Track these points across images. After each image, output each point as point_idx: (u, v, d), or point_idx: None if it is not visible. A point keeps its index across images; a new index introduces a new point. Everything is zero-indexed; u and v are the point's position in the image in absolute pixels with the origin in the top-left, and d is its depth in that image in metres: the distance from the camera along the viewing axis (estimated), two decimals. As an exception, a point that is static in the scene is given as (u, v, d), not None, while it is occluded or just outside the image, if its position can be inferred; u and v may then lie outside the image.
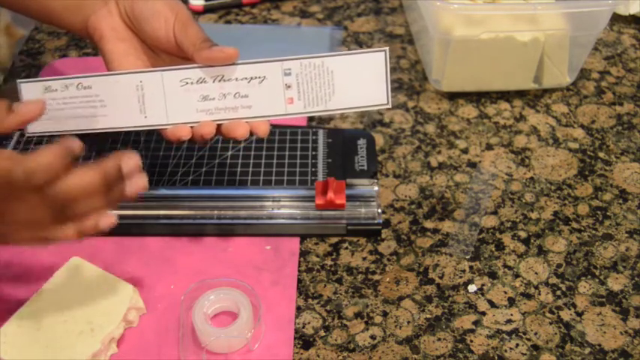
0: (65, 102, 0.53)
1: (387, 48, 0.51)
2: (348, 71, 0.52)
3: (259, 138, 0.53)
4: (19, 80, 0.54)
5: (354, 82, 0.52)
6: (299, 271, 0.58)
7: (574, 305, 0.56)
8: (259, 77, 0.52)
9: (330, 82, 0.52)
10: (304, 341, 0.54)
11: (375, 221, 0.61)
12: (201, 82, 0.52)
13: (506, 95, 0.76)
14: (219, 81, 0.52)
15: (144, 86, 0.52)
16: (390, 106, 0.53)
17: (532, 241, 0.61)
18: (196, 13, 0.87)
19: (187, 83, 0.52)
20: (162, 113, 0.53)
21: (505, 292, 0.57)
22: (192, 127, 0.53)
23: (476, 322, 0.55)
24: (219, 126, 0.53)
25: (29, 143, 0.67)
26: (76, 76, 0.53)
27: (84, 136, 0.55)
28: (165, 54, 0.56)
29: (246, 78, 0.52)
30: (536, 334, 0.54)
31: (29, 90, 0.53)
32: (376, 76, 0.52)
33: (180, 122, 0.53)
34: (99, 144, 0.67)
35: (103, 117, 0.53)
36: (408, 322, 0.55)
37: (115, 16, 0.55)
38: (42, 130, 0.54)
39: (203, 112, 0.53)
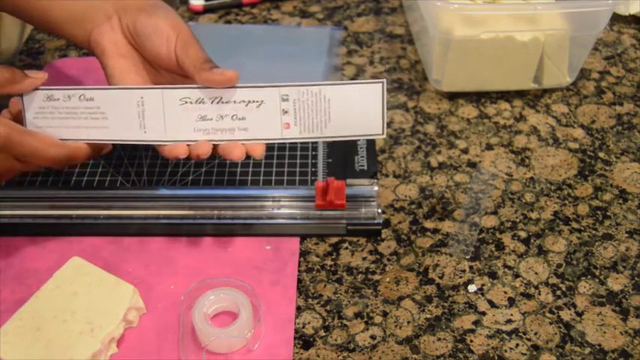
0: (67, 111, 0.54)
1: (385, 80, 0.52)
2: (345, 100, 0.52)
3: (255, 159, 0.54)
4: None
5: (351, 111, 0.52)
6: (299, 271, 0.58)
7: (574, 305, 0.56)
8: (257, 101, 0.52)
9: (326, 110, 0.52)
10: (304, 341, 0.54)
11: (375, 221, 0.61)
12: (199, 103, 0.53)
13: (506, 95, 0.76)
14: (218, 102, 0.53)
15: (144, 102, 0.53)
16: (384, 136, 0.53)
17: (532, 241, 0.61)
18: (196, 13, 0.87)
19: (186, 102, 0.53)
20: (160, 130, 0.53)
21: (505, 292, 0.57)
22: (189, 145, 0.53)
23: (476, 322, 0.55)
24: (216, 146, 0.54)
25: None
26: (79, 87, 0.54)
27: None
28: (165, 71, 0.56)
29: (244, 101, 0.52)
30: (536, 334, 0.54)
31: (31, 98, 0.54)
32: (373, 107, 0.52)
33: (177, 140, 0.54)
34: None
35: (104, 129, 0.54)
36: (408, 322, 0.55)
37: (117, 31, 0.55)
38: None
39: (200, 131, 0.53)
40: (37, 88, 0.54)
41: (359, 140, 0.68)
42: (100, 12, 0.56)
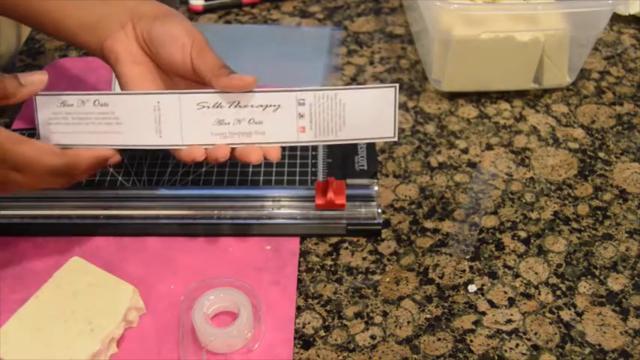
0: (81, 117, 0.54)
1: (397, 85, 0.53)
2: (359, 104, 0.53)
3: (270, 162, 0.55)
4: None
5: (364, 115, 0.53)
6: (299, 271, 0.58)
7: (574, 305, 0.56)
8: (274, 105, 0.53)
9: (341, 114, 0.53)
10: (304, 341, 0.54)
11: (375, 221, 0.61)
12: (217, 107, 0.53)
13: (506, 95, 0.76)
14: (235, 107, 0.53)
15: (161, 107, 0.53)
16: (396, 139, 0.54)
17: (532, 241, 0.61)
18: (196, 13, 0.87)
19: (204, 107, 0.53)
20: (177, 134, 0.54)
21: (505, 292, 0.57)
22: (206, 148, 0.54)
23: (476, 322, 0.55)
24: (233, 149, 0.54)
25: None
26: (93, 92, 0.54)
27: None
28: (179, 78, 0.56)
29: (261, 105, 0.53)
30: (536, 334, 0.54)
31: (44, 103, 0.54)
32: (385, 111, 0.53)
33: (194, 144, 0.54)
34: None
35: (118, 134, 0.54)
36: (408, 322, 0.55)
37: (131, 39, 0.55)
38: (56, 142, 0.54)
39: (217, 135, 0.53)
40: (49, 94, 0.53)
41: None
42: (114, 20, 0.55)
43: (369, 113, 0.53)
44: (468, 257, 0.60)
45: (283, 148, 0.67)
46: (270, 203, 0.62)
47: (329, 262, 0.59)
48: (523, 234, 0.61)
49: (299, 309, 0.56)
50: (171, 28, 0.54)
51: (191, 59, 0.53)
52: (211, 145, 0.54)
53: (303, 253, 0.60)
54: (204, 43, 0.54)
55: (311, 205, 0.61)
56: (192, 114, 0.53)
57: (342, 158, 0.66)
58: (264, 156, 0.54)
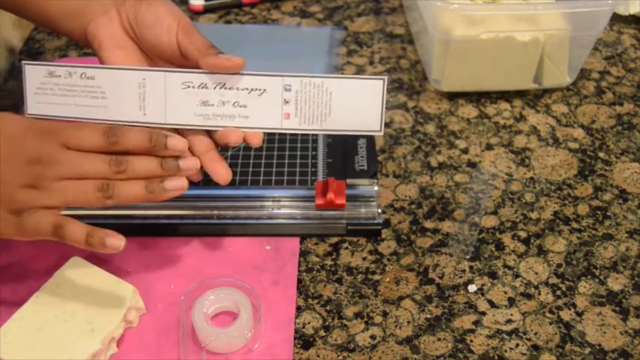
0: (67, 89, 0.54)
1: (386, 77, 0.52)
2: (346, 95, 0.53)
3: (251, 147, 0.54)
4: (23, 62, 0.55)
5: (351, 105, 0.53)
6: (299, 271, 0.58)
7: (574, 305, 0.56)
8: (260, 89, 0.53)
9: (327, 103, 0.53)
10: (304, 341, 0.54)
11: (375, 221, 0.61)
12: (202, 87, 0.53)
13: (506, 95, 0.76)
14: (221, 88, 0.53)
15: (146, 84, 0.53)
16: (382, 133, 0.54)
17: (532, 241, 0.61)
18: (196, 13, 0.87)
19: (189, 87, 0.53)
20: (160, 112, 0.53)
21: (505, 292, 0.57)
22: (215, 132, 0.53)
23: (476, 322, 0.55)
24: (213, 132, 0.54)
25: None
26: (81, 65, 0.54)
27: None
28: (162, 62, 0.56)
29: (247, 88, 0.53)
30: (536, 334, 0.54)
31: (33, 72, 0.54)
32: (372, 103, 0.53)
33: (177, 123, 0.54)
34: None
35: (103, 108, 0.54)
36: (408, 322, 0.55)
37: (115, 24, 0.55)
38: (42, 112, 0.55)
39: (201, 116, 0.53)
40: (38, 63, 0.54)
41: (359, 140, 0.68)
42: (98, 6, 0.56)
43: (356, 104, 0.53)
44: (468, 257, 0.60)
45: (284, 148, 0.67)
46: (270, 203, 0.62)
47: (329, 262, 0.59)
48: (523, 234, 0.61)
49: (299, 309, 0.56)
50: (157, 10, 0.54)
51: (177, 40, 0.53)
52: (194, 125, 0.54)
53: (303, 253, 0.60)
54: (189, 24, 0.54)
55: (311, 205, 0.61)
56: (176, 93, 0.53)
57: (342, 158, 0.66)
58: (245, 140, 0.54)
